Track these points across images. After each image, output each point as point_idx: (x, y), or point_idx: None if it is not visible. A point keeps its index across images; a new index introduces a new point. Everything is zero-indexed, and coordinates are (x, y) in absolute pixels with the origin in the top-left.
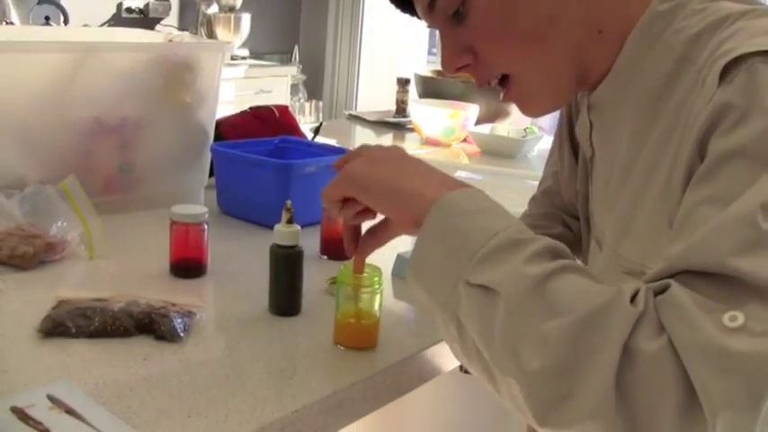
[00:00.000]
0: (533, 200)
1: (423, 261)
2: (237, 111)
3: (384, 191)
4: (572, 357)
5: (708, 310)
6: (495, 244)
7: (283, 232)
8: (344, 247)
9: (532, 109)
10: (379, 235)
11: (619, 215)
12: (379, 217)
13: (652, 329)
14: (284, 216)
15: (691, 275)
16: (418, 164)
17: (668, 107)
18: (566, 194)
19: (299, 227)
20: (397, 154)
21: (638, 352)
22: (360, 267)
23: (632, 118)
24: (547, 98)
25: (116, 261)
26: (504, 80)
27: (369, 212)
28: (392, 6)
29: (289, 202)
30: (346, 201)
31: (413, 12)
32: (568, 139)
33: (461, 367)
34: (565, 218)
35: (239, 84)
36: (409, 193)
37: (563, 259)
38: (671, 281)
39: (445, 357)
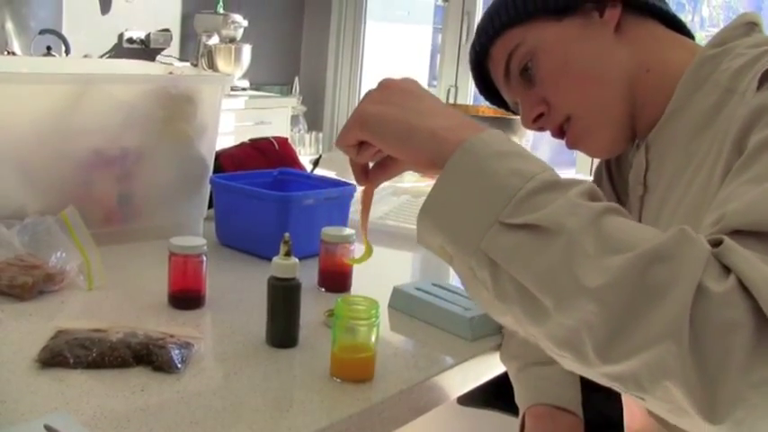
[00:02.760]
0: None
1: (445, 204)
2: (237, 142)
3: (398, 131)
4: (643, 289)
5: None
6: (534, 186)
7: (281, 265)
8: (354, 177)
9: (594, 146)
10: (390, 167)
11: None
12: None
13: (719, 270)
14: (282, 249)
15: (740, 235)
16: (430, 100)
17: (711, 132)
18: None
19: (297, 259)
20: (409, 88)
21: (708, 290)
22: (368, 200)
23: (679, 152)
24: (604, 133)
25: (115, 292)
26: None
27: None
28: (391, 38)
29: (287, 234)
30: (362, 143)
31: (501, 102)
32: (608, 180)
33: (459, 399)
34: None
35: (239, 114)
36: (425, 133)
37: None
38: (723, 236)
39: (442, 390)
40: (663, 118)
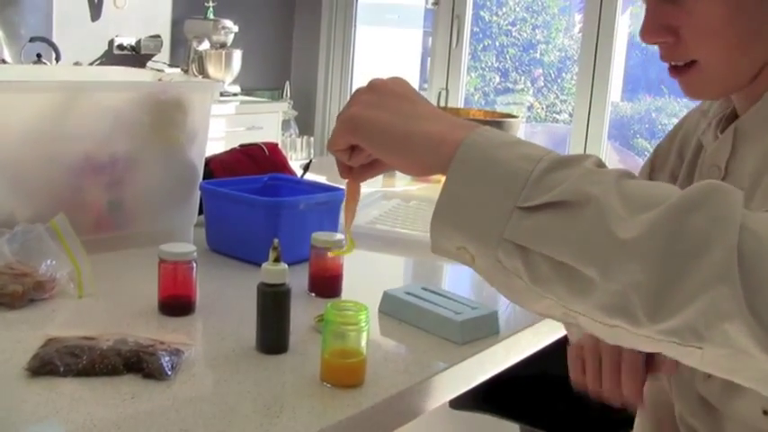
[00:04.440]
0: None
1: (458, 203)
2: (228, 147)
3: (390, 138)
4: (684, 237)
5: None
6: (545, 166)
7: (270, 271)
8: (339, 172)
9: (699, 94)
10: (377, 166)
11: None
12: None
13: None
14: (271, 255)
15: None
16: (421, 103)
17: None
18: None
19: (287, 265)
20: (400, 91)
21: (751, 229)
22: (352, 194)
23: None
24: (717, 91)
25: (105, 299)
26: (686, 64)
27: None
28: (381, 42)
29: (276, 240)
30: (354, 147)
31: None
32: (677, 155)
33: (451, 403)
34: None
35: (230, 120)
36: (419, 138)
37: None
38: None
39: (432, 394)
40: (759, 103)
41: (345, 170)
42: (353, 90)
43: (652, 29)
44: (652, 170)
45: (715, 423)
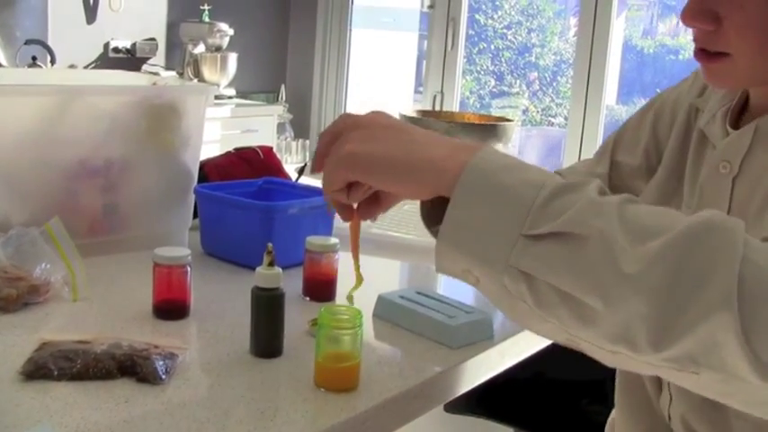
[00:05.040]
0: None
1: (463, 228)
2: (224, 150)
3: (392, 168)
4: (686, 269)
5: None
6: (548, 193)
7: (264, 275)
8: (340, 216)
9: (722, 84)
10: (383, 200)
11: None
12: None
13: (758, 243)
14: (265, 259)
15: None
16: (415, 130)
17: None
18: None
19: (281, 269)
20: (389, 123)
21: (752, 260)
22: (356, 233)
23: None
24: (741, 85)
25: (99, 303)
26: (717, 53)
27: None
28: (377, 45)
29: (270, 245)
30: (351, 184)
31: None
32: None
33: (445, 407)
34: None
35: (225, 123)
36: (423, 164)
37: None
38: None
39: (427, 398)
40: None
41: (348, 213)
42: (349, 94)
43: (696, 12)
44: (616, 145)
45: (723, 423)
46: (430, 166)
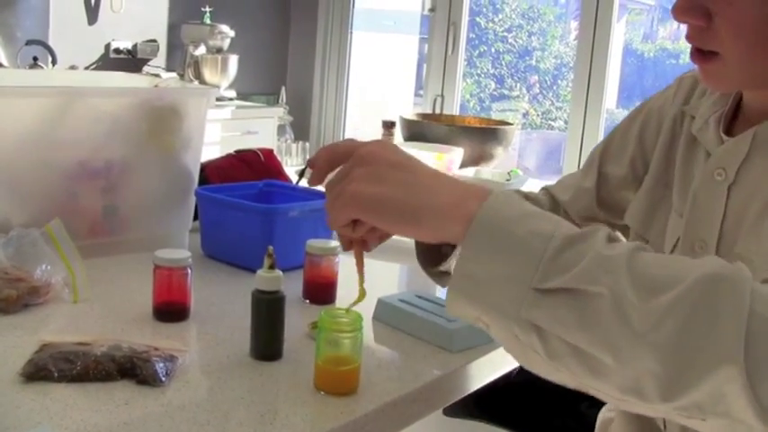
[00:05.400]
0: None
1: (474, 279)
2: (224, 152)
3: (398, 213)
4: (695, 325)
5: None
6: (557, 245)
7: (265, 278)
8: (341, 244)
9: (716, 86)
10: (384, 234)
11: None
12: None
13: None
14: (266, 262)
15: None
16: (421, 170)
17: None
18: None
19: (281, 272)
20: (395, 160)
21: (759, 313)
22: (361, 257)
23: None
24: (735, 86)
25: (100, 305)
26: (710, 52)
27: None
28: (377, 48)
29: (270, 247)
30: (355, 220)
31: None
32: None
33: (444, 410)
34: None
35: (226, 125)
36: (430, 211)
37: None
38: None
39: (426, 402)
40: None
41: (348, 243)
42: (349, 96)
43: (686, 7)
44: (603, 156)
45: None
46: (437, 215)
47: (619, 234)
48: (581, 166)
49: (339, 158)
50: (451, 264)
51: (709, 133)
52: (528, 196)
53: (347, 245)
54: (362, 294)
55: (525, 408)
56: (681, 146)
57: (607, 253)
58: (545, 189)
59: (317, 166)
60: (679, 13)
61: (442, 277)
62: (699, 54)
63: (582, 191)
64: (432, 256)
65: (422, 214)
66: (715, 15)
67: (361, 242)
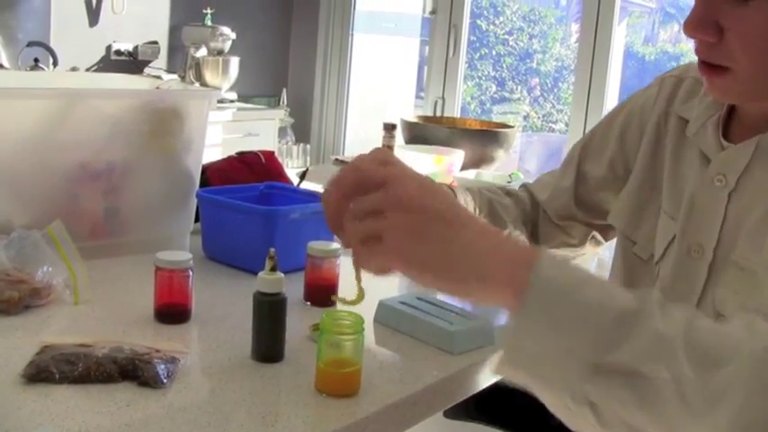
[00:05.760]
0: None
1: (527, 353)
2: (225, 154)
3: (446, 276)
4: (755, 399)
5: None
6: (613, 320)
7: (266, 280)
8: (341, 242)
9: (724, 97)
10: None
11: None
12: None
13: None
14: (268, 264)
15: None
16: (462, 225)
17: None
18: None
19: (283, 274)
20: (437, 209)
21: None
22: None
23: None
24: (742, 99)
25: (101, 306)
26: (719, 66)
27: None
28: (378, 50)
29: (272, 249)
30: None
31: None
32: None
33: (445, 412)
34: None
35: (227, 126)
36: (481, 278)
37: (676, 308)
38: None
39: (427, 404)
40: None
41: (348, 242)
42: (350, 98)
43: (698, 23)
44: (583, 154)
45: None
46: (486, 283)
47: (596, 234)
48: (561, 163)
49: (366, 186)
50: None
51: (708, 138)
52: (510, 193)
53: (347, 244)
54: (361, 294)
55: (526, 410)
56: (669, 148)
57: (664, 330)
58: (525, 187)
59: (342, 187)
60: (690, 29)
61: None
62: (708, 67)
63: (560, 190)
64: None
65: (469, 281)
66: (727, 31)
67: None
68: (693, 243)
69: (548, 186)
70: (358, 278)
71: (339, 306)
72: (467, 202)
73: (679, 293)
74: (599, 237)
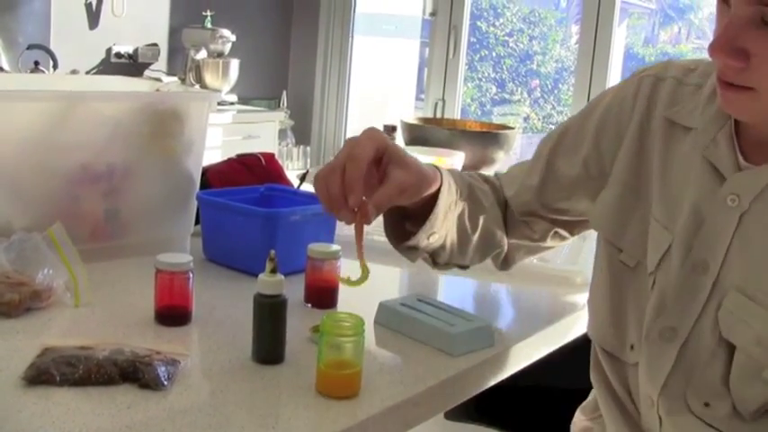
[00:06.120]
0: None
1: None
2: (225, 156)
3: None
4: None
5: None
6: None
7: (267, 282)
8: (344, 219)
9: (740, 114)
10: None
11: None
12: None
13: None
14: (268, 266)
15: None
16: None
17: None
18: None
19: (283, 276)
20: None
21: None
22: (361, 229)
23: None
24: (759, 118)
25: (101, 309)
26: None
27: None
28: (378, 52)
29: (273, 251)
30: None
31: None
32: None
33: (446, 414)
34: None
35: (227, 129)
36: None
37: None
38: None
39: (427, 406)
40: None
41: (351, 217)
42: (350, 100)
43: (725, 47)
44: (555, 150)
45: None
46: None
47: (559, 230)
48: (532, 157)
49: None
50: (420, 239)
51: (722, 153)
52: (487, 179)
53: (350, 218)
54: (366, 271)
55: (527, 412)
56: (657, 153)
57: None
58: (497, 177)
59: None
60: (717, 53)
61: (410, 252)
62: (727, 84)
63: (525, 187)
64: (398, 233)
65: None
66: (753, 56)
67: (363, 213)
68: (699, 260)
69: (515, 181)
70: (360, 256)
71: (343, 287)
72: (450, 184)
73: (681, 308)
74: (563, 232)
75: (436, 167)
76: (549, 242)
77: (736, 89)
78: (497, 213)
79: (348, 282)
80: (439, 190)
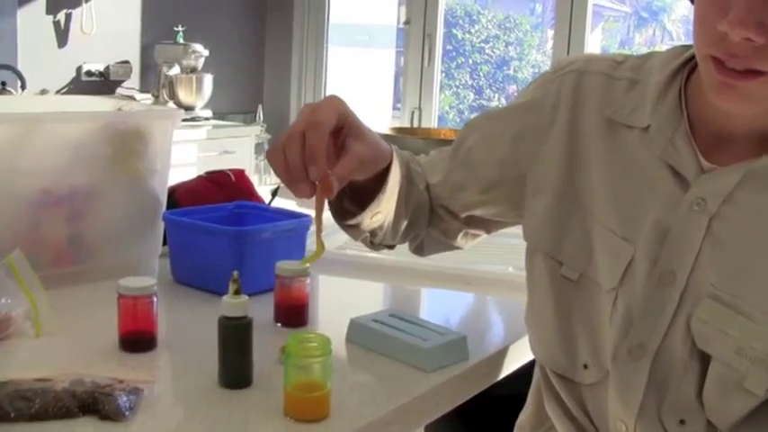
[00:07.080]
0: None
1: None
2: (200, 172)
3: None
4: None
5: None
6: None
7: (230, 304)
8: (304, 192)
9: (739, 106)
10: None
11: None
12: None
13: None
14: (231, 287)
15: None
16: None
17: None
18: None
19: (247, 297)
20: None
21: None
22: (321, 203)
23: None
24: (757, 108)
25: (64, 337)
26: (749, 72)
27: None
28: (353, 62)
29: (235, 273)
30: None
31: None
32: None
33: (426, 427)
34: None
35: (201, 145)
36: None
37: None
38: None
39: (400, 424)
40: None
41: (311, 189)
42: None
43: (746, 21)
44: (474, 144)
45: None
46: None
47: (470, 230)
48: (452, 146)
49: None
50: (364, 218)
51: (681, 155)
52: (419, 162)
53: (309, 192)
54: (321, 248)
55: (506, 421)
56: (597, 156)
57: None
58: (419, 162)
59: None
60: (737, 27)
61: (353, 230)
62: (736, 73)
63: (442, 182)
64: (341, 213)
65: None
66: None
67: (325, 187)
68: (666, 271)
69: (435, 170)
70: (318, 232)
71: (302, 266)
72: (397, 163)
73: (649, 324)
74: (474, 231)
75: (389, 143)
76: (459, 241)
77: (744, 77)
78: (426, 198)
79: (305, 260)
80: (388, 167)
